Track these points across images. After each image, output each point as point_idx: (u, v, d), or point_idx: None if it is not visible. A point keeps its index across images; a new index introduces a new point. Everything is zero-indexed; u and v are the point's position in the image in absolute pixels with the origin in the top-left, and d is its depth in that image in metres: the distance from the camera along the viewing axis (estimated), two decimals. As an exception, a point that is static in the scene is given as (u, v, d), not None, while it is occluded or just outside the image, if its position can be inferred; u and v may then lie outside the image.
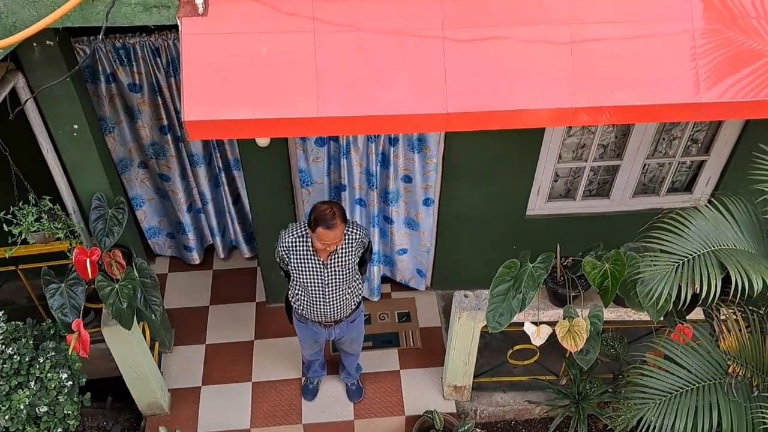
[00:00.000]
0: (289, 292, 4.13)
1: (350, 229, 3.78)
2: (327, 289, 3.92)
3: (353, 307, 4.16)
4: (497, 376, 4.91)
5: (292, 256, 3.83)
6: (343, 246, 3.77)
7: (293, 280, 3.99)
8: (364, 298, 4.39)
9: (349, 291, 4.02)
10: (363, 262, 4.06)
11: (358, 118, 2.92)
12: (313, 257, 3.80)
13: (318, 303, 3.99)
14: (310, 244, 3.76)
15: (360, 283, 4.12)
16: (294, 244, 3.79)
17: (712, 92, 3.01)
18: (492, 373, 4.88)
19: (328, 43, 2.89)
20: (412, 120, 2.93)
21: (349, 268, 3.90)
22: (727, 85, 3.01)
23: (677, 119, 3.14)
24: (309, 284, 3.90)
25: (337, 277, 3.89)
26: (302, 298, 4.03)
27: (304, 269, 3.84)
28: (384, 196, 4.89)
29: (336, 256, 3.80)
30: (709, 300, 2.93)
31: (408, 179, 4.74)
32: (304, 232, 3.78)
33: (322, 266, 3.83)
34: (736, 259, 2.99)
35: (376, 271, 5.33)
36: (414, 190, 4.77)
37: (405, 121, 2.94)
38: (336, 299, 3.98)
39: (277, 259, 4.00)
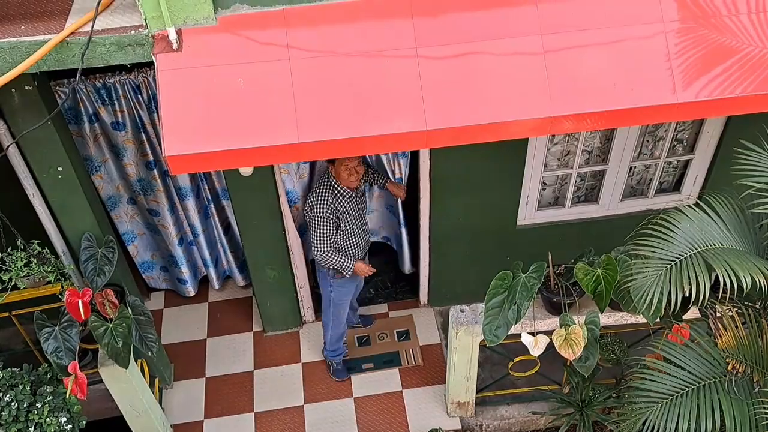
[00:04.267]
0: (333, 260, 4.32)
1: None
2: (364, 216, 4.54)
3: None
4: (500, 390, 4.88)
5: (339, 209, 4.20)
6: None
7: (341, 236, 4.34)
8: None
9: None
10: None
11: (339, 141, 2.93)
12: (348, 194, 4.25)
13: (363, 234, 4.52)
14: (339, 188, 4.19)
15: None
16: (333, 200, 4.17)
17: (688, 92, 3.03)
18: (494, 386, 4.86)
19: (304, 69, 2.91)
20: (392, 139, 2.95)
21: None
22: (703, 84, 3.04)
23: (655, 121, 3.15)
24: (354, 220, 4.36)
25: (364, 201, 4.56)
26: (354, 241, 4.44)
27: (348, 210, 4.28)
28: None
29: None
30: (701, 301, 2.92)
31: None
32: (330, 186, 4.18)
33: (356, 195, 4.33)
34: (723, 258, 2.96)
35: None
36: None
37: (385, 140, 2.95)
38: (367, 224, 4.64)
39: (328, 239, 4.23)
